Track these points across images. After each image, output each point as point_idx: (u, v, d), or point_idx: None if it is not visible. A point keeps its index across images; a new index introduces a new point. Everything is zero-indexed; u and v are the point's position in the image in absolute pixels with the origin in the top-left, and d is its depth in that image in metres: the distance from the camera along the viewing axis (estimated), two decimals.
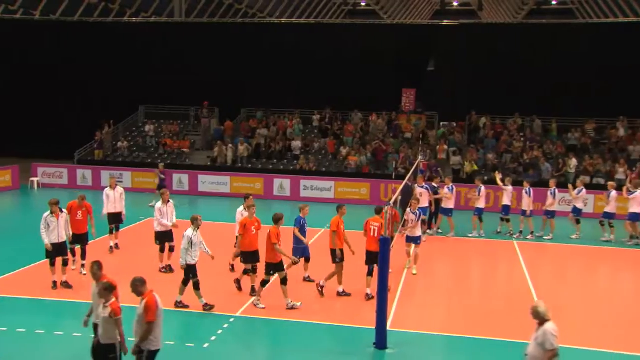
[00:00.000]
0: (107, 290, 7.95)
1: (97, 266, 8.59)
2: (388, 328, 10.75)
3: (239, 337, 11.28)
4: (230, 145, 28.83)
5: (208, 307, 12.04)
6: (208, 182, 26.86)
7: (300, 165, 27.73)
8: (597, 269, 17.25)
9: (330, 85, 30.77)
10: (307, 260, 13.86)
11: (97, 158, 29.57)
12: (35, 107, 33.79)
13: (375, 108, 30.47)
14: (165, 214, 14.63)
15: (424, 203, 17.97)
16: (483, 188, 19.49)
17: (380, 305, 10.50)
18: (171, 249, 14.77)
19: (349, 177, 26.53)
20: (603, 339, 11.34)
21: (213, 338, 10.87)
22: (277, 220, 12.37)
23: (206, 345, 10.58)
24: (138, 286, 7.91)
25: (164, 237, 14.72)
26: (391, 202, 12.49)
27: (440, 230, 19.66)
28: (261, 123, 30.86)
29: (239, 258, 13.45)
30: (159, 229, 14.67)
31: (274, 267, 12.16)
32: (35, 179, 27.52)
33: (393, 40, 31.36)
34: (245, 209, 13.49)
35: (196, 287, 12.02)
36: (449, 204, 19.17)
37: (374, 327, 10.64)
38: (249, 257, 12.84)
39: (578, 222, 19.65)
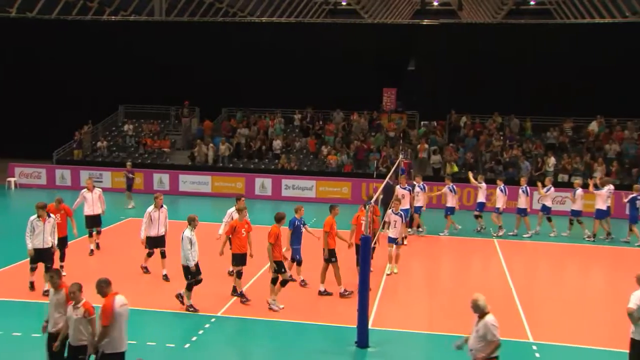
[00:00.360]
0: (78, 291, 7.86)
1: (56, 275, 8.41)
2: (369, 327, 10.78)
3: (220, 337, 11.25)
4: (210, 144, 28.69)
5: (192, 309, 11.94)
6: (189, 181, 26.72)
7: (282, 165, 27.70)
8: (574, 266, 17.47)
9: (311, 84, 30.77)
10: (299, 263, 13.58)
11: (76, 158, 29.24)
12: (13, 106, 33.29)
13: (356, 107, 30.55)
14: (156, 220, 13.87)
15: (406, 205, 17.79)
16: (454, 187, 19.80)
17: (362, 304, 10.53)
18: (163, 255, 14.01)
19: (330, 176, 26.56)
20: (579, 334, 11.50)
21: (194, 338, 10.83)
22: (279, 219, 12.35)
23: (187, 345, 10.53)
24: (103, 287, 7.79)
25: (156, 243, 13.99)
26: (372, 200, 12.54)
27: (420, 229, 19.75)
28: (242, 122, 30.76)
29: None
30: (151, 234, 13.86)
31: (282, 264, 12.24)
32: (12, 179, 27.15)
33: (374, 39, 31.44)
34: (236, 210, 13.29)
35: (196, 283, 12.03)
36: (419, 202, 19.27)
37: (355, 326, 10.68)
38: (239, 259, 12.54)
39: (549, 219, 19.84)
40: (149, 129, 31.23)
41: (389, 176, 17.76)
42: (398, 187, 18.11)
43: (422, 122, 31.10)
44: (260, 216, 23.90)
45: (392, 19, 36.10)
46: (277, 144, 28.97)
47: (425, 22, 33.51)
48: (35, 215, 12.50)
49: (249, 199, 25.54)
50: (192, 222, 11.99)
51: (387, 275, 14.82)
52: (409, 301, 13.36)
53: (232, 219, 13.31)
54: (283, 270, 12.17)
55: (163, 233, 14.01)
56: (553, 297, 13.83)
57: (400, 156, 21.95)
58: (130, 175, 23.43)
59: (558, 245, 18.93)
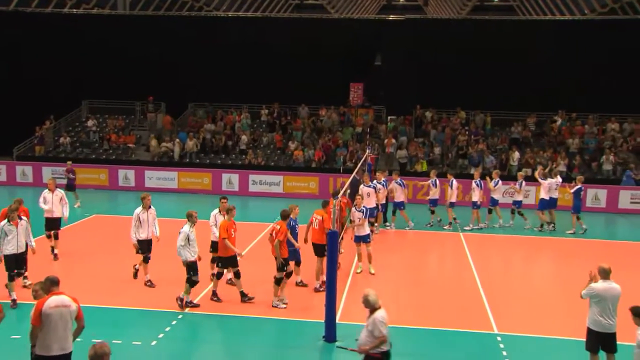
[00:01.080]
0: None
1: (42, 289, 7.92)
2: (337, 321, 10.85)
3: (187, 333, 11.18)
4: (177, 140, 28.39)
5: (192, 304, 11.94)
6: (155, 177, 26.41)
7: (249, 160, 27.59)
8: (538, 259, 17.83)
9: (278, 79, 30.67)
10: (298, 264, 13.24)
11: (38, 154, 28.62)
12: None
13: (323, 102, 30.59)
14: (145, 222, 13.17)
15: (371, 203, 17.26)
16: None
17: (329, 299, 10.58)
18: (146, 260, 13.32)
19: (298, 171, 26.57)
20: (541, 325, 11.74)
21: (161, 335, 10.74)
22: (285, 216, 12.21)
23: (154, 342, 10.44)
24: (47, 285, 7.55)
25: (149, 246, 13.27)
26: (339, 195, 12.58)
27: (388, 224, 19.90)
28: (206, 118, 30.50)
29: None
30: (141, 237, 13.14)
31: (287, 261, 12.18)
32: None
33: (340, 34, 31.46)
34: (220, 212, 12.91)
35: (192, 284, 11.88)
36: (399, 198, 19.50)
37: (323, 321, 10.73)
38: (230, 261, 12.22)
39: (490, 212, 20.35)
40: (114, 124, 30.74)
41: (355, 171, 17.85)
42: (362, 185, 17.43)
43: (389, 117, 31.32)
44: None
45: (358, 14, 36.19)
46: (244, 139, 28.84)
47: (392, 17, 33.68)
48: (6, 220, 11.92)
49: (216, 195, 25.48)
50: (190, 217, 11.80)
51: (357, 273, 14.65)
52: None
53: (217, 220, 12.89)
54: (286, 268, 12.09)
55: (151, 236, 13.36)
56: (517, 289, 14.11)
57: (367, 151, 22.07)
58: (72, 176, 22.45)
59: (524, 238, 19.32)
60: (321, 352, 10.41)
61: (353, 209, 14.54)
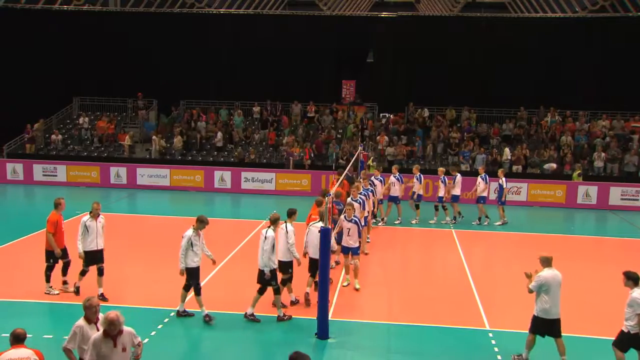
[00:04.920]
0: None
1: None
2: (330, 318, 10.87)
3: (179, 331, 11.16)
4: (157, 138, 28.30)
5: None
6: (147, 175, 26.34)
7: (240, 157, 27.50)
8: (529, 255, 17.91)
9: (270, 76, 30.66)
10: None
11: (29, 152, 28.45)
12: None
13: (315, 99, 30.58)
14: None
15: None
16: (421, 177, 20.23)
17: (322, 296, 10.60)
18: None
19: (290, 168, 26.52)
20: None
21: (153, 333, 10.73)
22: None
23: (146, 340, 10.43)
24: (11, 339, 7.15)
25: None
26: (332, 192, 12.59)
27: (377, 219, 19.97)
28: (200, 116, 30.42)
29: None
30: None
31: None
32: None
33: (333, 31, 31.46)
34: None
35: (197, 292, 11.35)
36: (395, 192, 19.85)
37: (315, 318, 10.75)
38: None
39: (444, 208, 20.48)
40: (105, 121, 30.58)
41: (347, 169, 17.86)
42: (349, 198, 15.11)
43: (381, 114, 31.35)
44: (221, 210, 23.85)
45: (350, 11, 36.09)
46: (236, 136, 28.78)
47: (384, 14, 33.67)
48: (88, 215, 11.62)
49: (208, 192, 25.52)
50: (199, 222, 11.19)
51: (344, 286, 13.49)
52: (369, 292, 13.49)
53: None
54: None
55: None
56: (509, 286, 14.17)
57: (360, 148, 22.09)
58: None
59: (516, 235, 19.42)
60: (314, 349, 10.43)
61: (342, 217, 13.36)
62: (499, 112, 29.45)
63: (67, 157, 27.90)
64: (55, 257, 12.43)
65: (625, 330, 8.91)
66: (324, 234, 10.68)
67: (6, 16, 31.79)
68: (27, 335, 7.17)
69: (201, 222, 11.21)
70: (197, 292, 11.35)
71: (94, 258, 12.15)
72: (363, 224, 14.42)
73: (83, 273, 12.28)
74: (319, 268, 10.86)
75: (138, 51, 30.86)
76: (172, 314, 11.62)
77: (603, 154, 25.64)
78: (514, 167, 25.74)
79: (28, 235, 17.12)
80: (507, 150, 26.32)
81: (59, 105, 31.49)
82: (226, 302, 12.23)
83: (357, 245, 13.24)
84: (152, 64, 30.86)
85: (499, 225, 20.15)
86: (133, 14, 32.87)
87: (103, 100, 31.51)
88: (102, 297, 11.95)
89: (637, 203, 23.74)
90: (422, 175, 20.24)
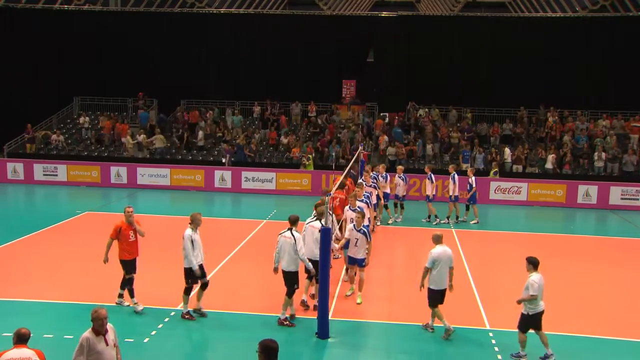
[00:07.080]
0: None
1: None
2: (330, 317, 10.87)
3: (180, 330, 11.15)
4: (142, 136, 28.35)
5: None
6: (147, 174, 26.34)
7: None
8: (529, 254, 17.88)
9: (271, 76, 30.67)
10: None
11: (29, 151, 28.44)
12: None
13: (315, 99, 30.57)
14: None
15: (365, 221, 15.28)
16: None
17: (322, 296, 10.60)
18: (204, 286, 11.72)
19: (290, 168, 26.55)
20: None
21: (153, 332, 10.73)
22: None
23: (146, 340, 10.43)
24: (14, 338, 7.11)
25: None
26: (332, 192, 12.58)
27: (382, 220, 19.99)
28: (202, 115, 30.43)
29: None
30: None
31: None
32: None
33: (333, 31, 31.47)
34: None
35: (203, 287, 11.42)
36: (399, 191, 20.11)
37: (315, 317, 10.76)
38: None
39: (386, 207, 20.30)
40: (106, 121, 30.57)
41: (347, 168, 17.84)
42: (347, 208, 14.45)
43: (381, 114, 31.35)
44: (221, 209, 23.87)
45: (351, 10, 36.18)
46: (237, 135, 28.78)
47: (384, 14, 33.72)
48: (190, 229, 10.95)
49: (208, 192, 25.54)
50: (194, 220, 11.18)
51: (347, 296, 12.99)
52: (369, 291, 13.49)
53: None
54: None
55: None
56: (509, 285, 14.16)
57: (360, 148, 22.10)
58: None
59: (516, 235, 19.43)
60: (314, 348, 10.44)
61: (351, 226, 12.62)
62: (499, 111, 29.45)
63: (67, 156, 27.91)
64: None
65: (525, 313, 9.92)
66: (324, 234, 10.68)
67: (6, 16, 31.82)
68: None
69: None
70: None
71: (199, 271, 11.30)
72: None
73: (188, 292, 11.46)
74: (319, 268, 10.86)
75: (138, 51, 30.88)
76: (172, 313, 11.62)
77: (603, 154, 25.63)
78: (514, 167, 25.74)
79: (28, 235, 17.14)
80: (507, 150, 26.31)
81: (59, 105, 31.49)
82: (226, 302, 12.22)
83: (363, 257, 12.57)
84: (152, 63, 30.87)
85: (474, 223, 20.25)
86: (133, 13, 32.93)
87: (103, 100, 31.51)
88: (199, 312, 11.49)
89: (637, 203, 23.76)
90: (432, 175, 20.27)
